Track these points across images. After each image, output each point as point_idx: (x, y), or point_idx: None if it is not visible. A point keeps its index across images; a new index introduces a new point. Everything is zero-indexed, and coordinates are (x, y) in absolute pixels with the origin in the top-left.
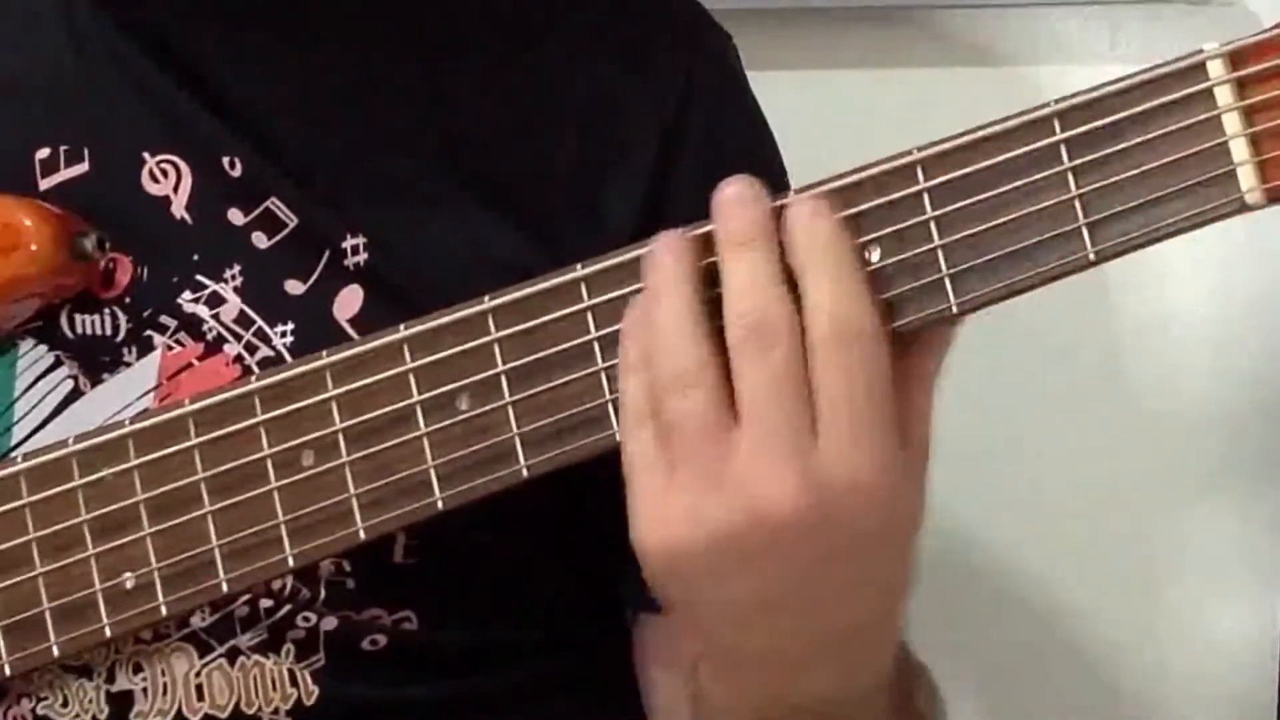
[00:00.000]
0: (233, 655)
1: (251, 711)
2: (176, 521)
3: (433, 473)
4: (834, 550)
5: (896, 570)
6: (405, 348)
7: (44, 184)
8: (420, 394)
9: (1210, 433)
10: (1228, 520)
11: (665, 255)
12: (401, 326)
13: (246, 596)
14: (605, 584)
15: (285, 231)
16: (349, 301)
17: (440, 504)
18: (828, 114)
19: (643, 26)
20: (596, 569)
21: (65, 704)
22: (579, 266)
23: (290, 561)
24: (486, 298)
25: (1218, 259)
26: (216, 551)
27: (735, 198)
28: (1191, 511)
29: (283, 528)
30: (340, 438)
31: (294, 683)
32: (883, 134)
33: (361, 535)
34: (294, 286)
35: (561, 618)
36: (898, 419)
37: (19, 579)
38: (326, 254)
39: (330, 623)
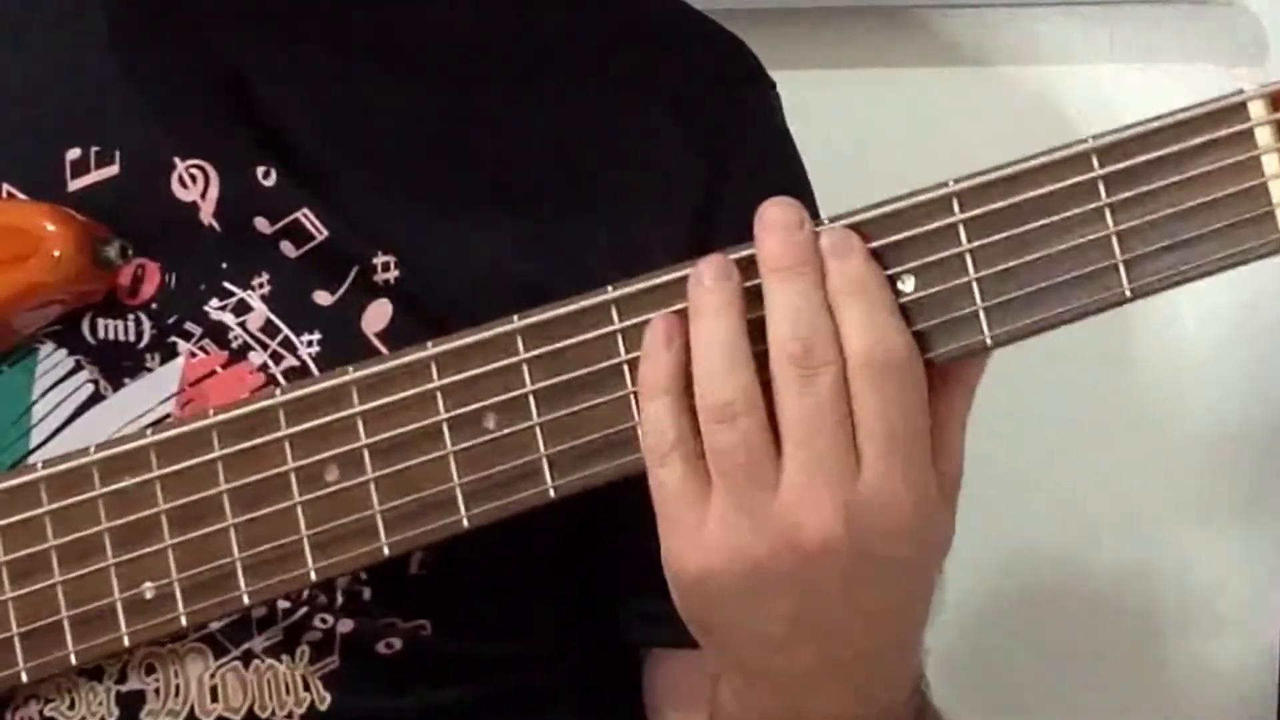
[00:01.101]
0: (247, 658)
1: (265, 715)
2: (198, 533)
3: (458, 491)
4: (866, 576)
5: (921, 595)
6: (433, 365)
7: (73, 185)
8: (447, 412)
9: (1216, 442)
10: (1229, 529)
11: (711, 277)
12: (429, 344)
13: None
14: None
15: (314, 243)
16: (377, 316)
17: (465, 522)
18: (828, 114)
19: (690, 69)
20: (609, 584)
21: (72, 706)
22: (610, 289)
23: (312, 576)
24: (515, 318)
25: (1231, 275)
26: (238, 564)
27: (780, 221)
28: (1193, 520)
29: (305, 542)
30: (365, 453)
31: (307, 688)
32: (883, 134)
33: (385, 551)
34: (322, 297)
35: (573, 629)
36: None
37: (38, 586)
38: (355, 269)
39: (346, 625)
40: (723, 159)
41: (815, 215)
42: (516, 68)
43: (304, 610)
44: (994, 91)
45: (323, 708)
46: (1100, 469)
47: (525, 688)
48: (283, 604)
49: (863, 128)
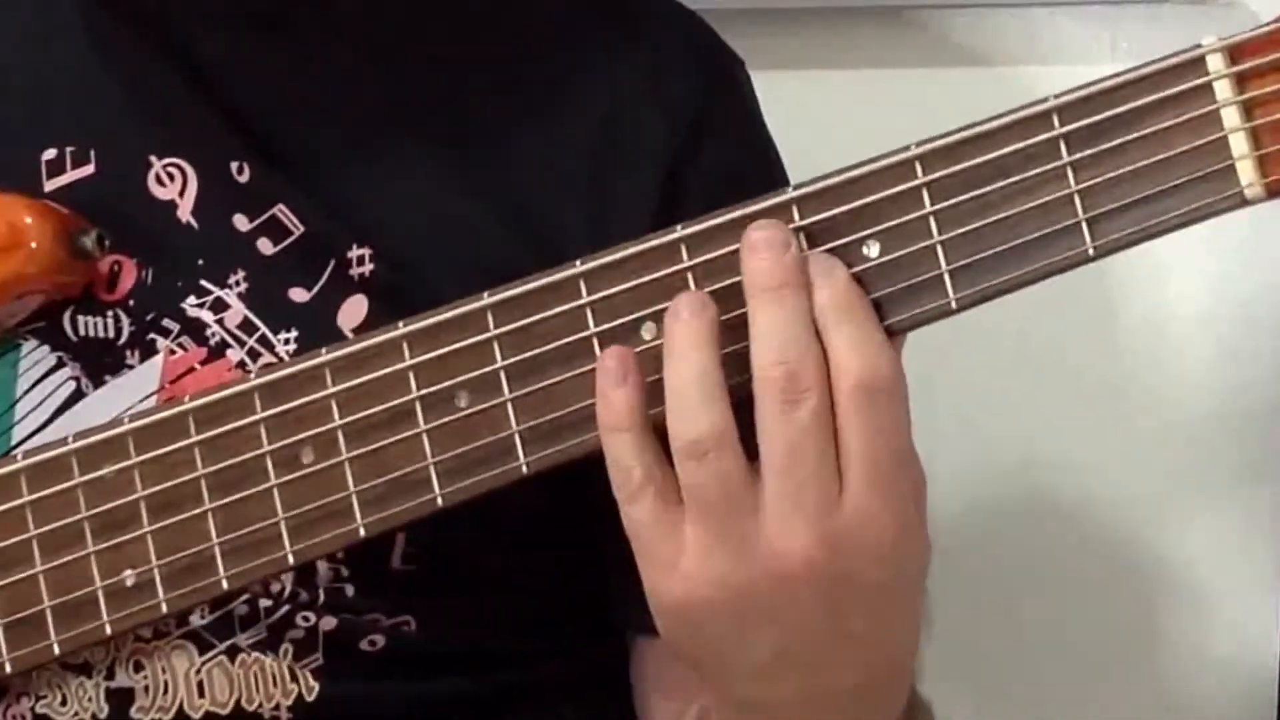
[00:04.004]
0: (232, 653)
1: (253, 708)
2: (176, 519)
3: (432, 469)
4: (850, 604)
5: (907, 618)
6: (405, 344)
7: (49, 185)
8: (419, 391)
9: (1209, 433)
10: (1227, 521)
11: (688, 310)
12: (401, 323)
13: (246, 596)
14: (600, 594)
15: (291, 239)
16: (353, 311)
17: (440, 501)
18: (828, 114)
19: (658, 49)
20: (592, 579)
21: (64, 702)
22: (578, 263)
23: (290, 559)
24: (485, 294)
25: (1218, 258)
26: (216, 549)
27: (766, 242)
28: (1190, 513)
29: (282, 525)
30: (340, 435)
31: (294, 679)
32: (883, 134)
33: (361, 532)
34: (298, 294)
35: (558, 624)
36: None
37: (19, 577)
38: (332, 263)
39: (329, 623)
40: (694, 127)
41: (786, 186)
42: (491, 56)
43: (286, 609)
44: (994, 91)
45: (310, 698)
46: (1098, 466)
47: (517, 684)
48: (265, 602)
49: (863, 128)
